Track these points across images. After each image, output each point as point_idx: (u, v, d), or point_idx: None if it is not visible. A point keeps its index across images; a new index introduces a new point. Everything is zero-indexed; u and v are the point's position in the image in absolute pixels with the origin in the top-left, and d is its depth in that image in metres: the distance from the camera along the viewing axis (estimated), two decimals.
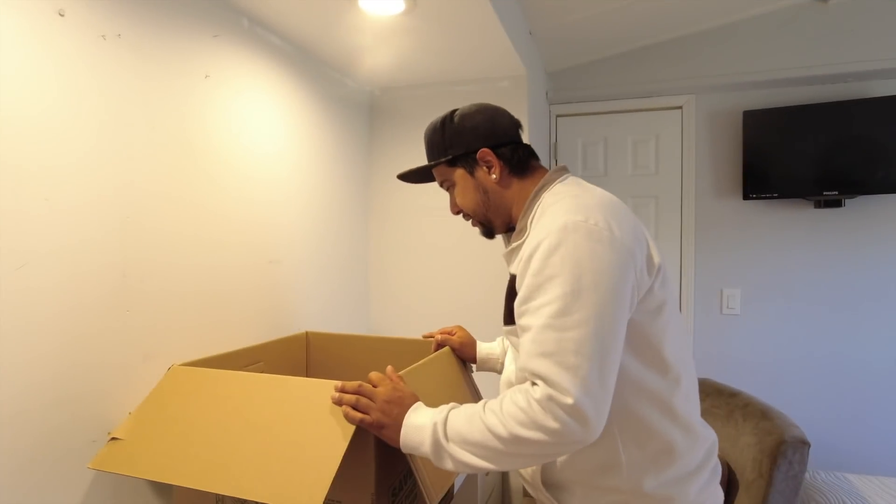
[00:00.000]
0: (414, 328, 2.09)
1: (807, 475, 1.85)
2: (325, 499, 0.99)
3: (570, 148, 2.63)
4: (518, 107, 1.97)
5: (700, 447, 0.90)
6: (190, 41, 1.26)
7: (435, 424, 0.83)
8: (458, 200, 1.03)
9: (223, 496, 1.06)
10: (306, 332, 1.59)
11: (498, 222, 1.02)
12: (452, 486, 1.29)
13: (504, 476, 1.98)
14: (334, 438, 0.89)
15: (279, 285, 1.62)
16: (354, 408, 0.89)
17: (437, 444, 0.82)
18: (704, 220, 2.45)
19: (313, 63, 1.79)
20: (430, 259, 2.13)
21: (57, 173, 0.96)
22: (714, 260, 2.44)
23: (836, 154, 2.15)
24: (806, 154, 2.20)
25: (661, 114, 2.50)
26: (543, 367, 0.76)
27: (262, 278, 1.54)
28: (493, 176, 0.98)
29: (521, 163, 0.99)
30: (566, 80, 2.59)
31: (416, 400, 0.91)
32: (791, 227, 2.34)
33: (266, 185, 1.56)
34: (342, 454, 0.86)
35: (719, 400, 1.67)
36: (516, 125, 1.03)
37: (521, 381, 0.82)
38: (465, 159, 0.99)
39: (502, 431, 0.76)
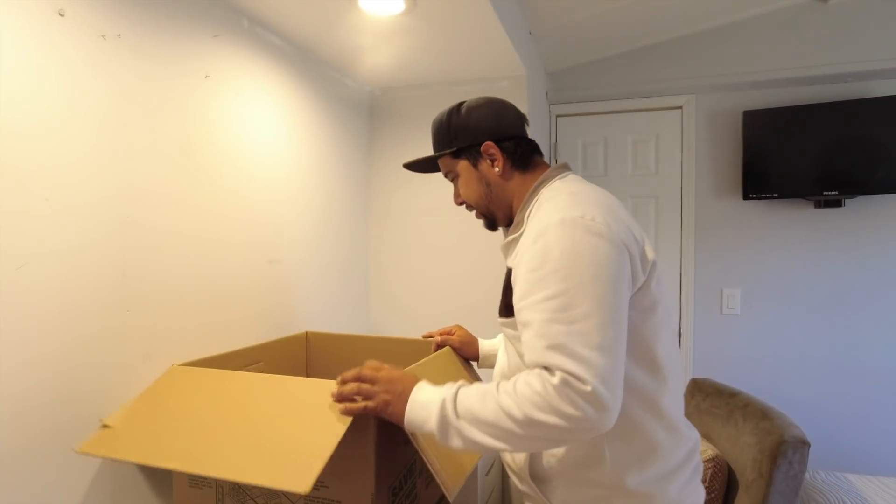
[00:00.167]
0: (414, 328, 2.09)
1: (807, 475, 1.85)
2: (325, 499, 1.00)
3: (570, 148, 2.63)
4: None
5: (683, 447, 0.91)
6: (190, 41, 1.26)
7: (444, 401, 0.82)
8: (462, 192, 1.05)
9: (223, 496, 1.07)
10: (306, 332, 1.59)
11: (500, 215, 1.03)
12: (464, 479, 1.29)
13: (504, 476, 1.98)
14: (330, 428, 0.88)
15: (279, 285, 1.62)
16: (357, 395, 0.89)
17: (444, 421, 0.81)
18: (704, 220, 2.45)
19: (313, 63, 1.79)
20: (430, 259, 2.13)
21: (57, 173, 0.96)
22: (714, 260, 2.44)
23: (836, 154, 2.15)
24: (806, 154, 2.20)
25: (661, 114, 2.50)
26: (556, 358, 0.75)
27: (262, 278, 1.54)
28: (496, 169, 0.99)
29: (524, 157, 1.01)
30: (566, 80, 2.59)
31: (419, 380, 0.90)
32: (791, 227, 2.34)
33: (266, 185, 1.56)
34: (337, 442, 0.85)
35: (719, 400, 1.67)
36: (522, 120, 1.05)
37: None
38: (470, 151, 1.01)
39: (517, 413, 0.76)
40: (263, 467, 0.84)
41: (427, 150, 1.10)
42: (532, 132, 1.07)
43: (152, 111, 1.16)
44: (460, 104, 1.03)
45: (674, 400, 0.90)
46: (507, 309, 0.92)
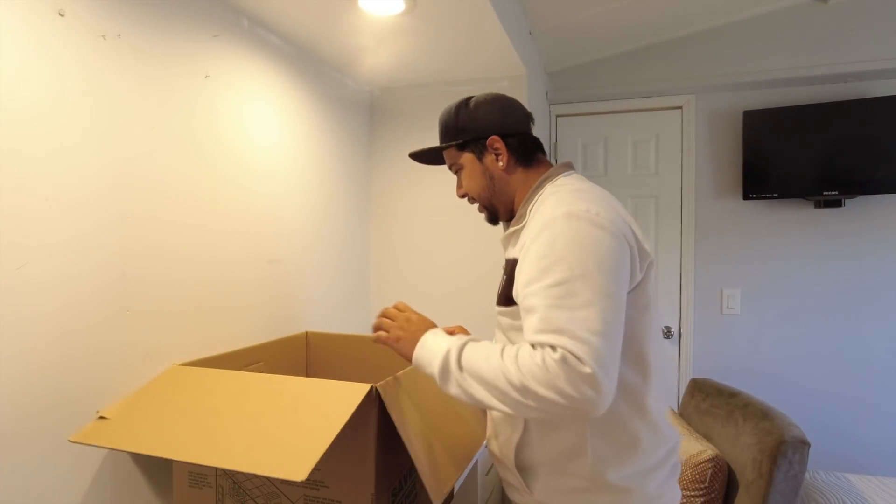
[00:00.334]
0: None
1: (807, 475, 1.85)
2: (325, 499, 1.00)
3: (570, 148, 2.63)
4: (534, 119, 1.97)
5: (663, 446, 0.93)
6: (190, 41, 1.26)
7: (449, 349, 0.87)
8: (465, 184, 1.07)
9: (223, 496, 1.07)
10: (306, 332, 1.59)
11: (501, 209, 1.05)
12: (452, 488, 1.29)
13: None
14: (329, 424, 0.88)
15: (279, 285, 1.62)
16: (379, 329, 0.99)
17: (446, 368, 0.86)
18: (704, 220, 2.45)
19: (313, 63, 1.79)
20: (430, 259, 2.13)
21: (56, 173, 0.96)
22: (714, 260, 2.44)
23: (836, 154, 2.15)
24: (806, 154, 2.20)
25: (661, 114, 2.50)
26: (559, 339, 0.78)
27: (263, 278, 1.54)
28: (500, 163, 1.01)
29: (528, 154, 1.03)
30: (566, 80, 2.59)
31: (436, 327, 0.96)
32: (791, 227, 2.34)
33: (266, 185, 1.56)
34: (335, 434, 0.85)
35: (719, 400, 1.67)
36: (528, 118, 1.07)
37: None
38: (475, 144, 1.03)
39: (516, 380, 0.79)
40: (261, 458, 0.84)
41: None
42: (533, 132, 1.08)
43: (152, 112, 1.16)
44: (469, 98, 1.05)
45: (657, 399, 0.93)
46: (506, 298, 0.94)
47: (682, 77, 2.41)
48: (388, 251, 2.19)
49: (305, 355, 1.58)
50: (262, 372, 1.25)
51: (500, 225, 1.10)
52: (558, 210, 0.85)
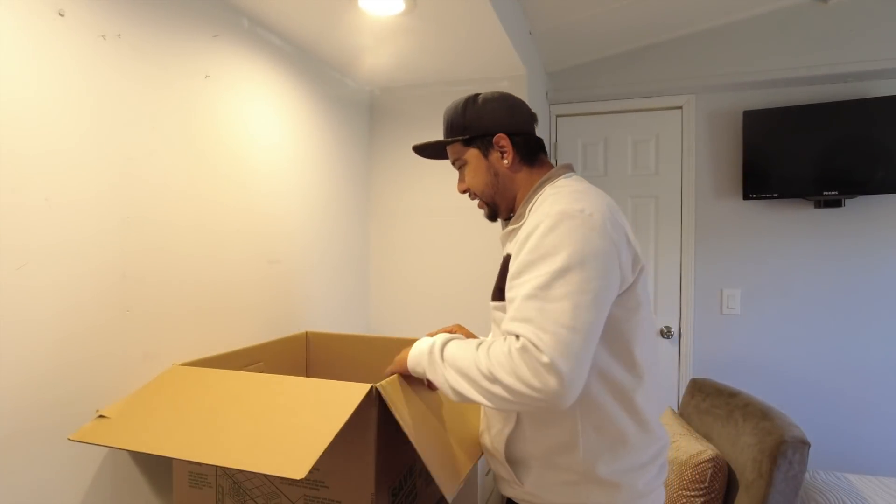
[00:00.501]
0: (414, 328, 2.09)
1: (807, 475, 1.85)
2: (325, 499, 1.00)
3: (570, 148, 2.63)
4: (538, 120, 1.97)
5: (653, 445, 0.95)
6: (190, 41, 1.26)
7: (434, 343, 0.95)
8: (468, 180, 1.08)
9: (223, 496, 1.07)
10: (306, 332, 1.59)
11: (503, 206, 1.07)
12: (463, 480, 1.29)
13: None
14: (328, 423, 0.88)
15: (279, 285, 1.62)
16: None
17: (433, 361, 0.93)
18: (704, 220, 2.45)
19: (313, 63, 1.79)
20: (430, 259, 2.13)
21: (57, 173, 0.96)
22: (714, 260, 2.44)
23: (836, 154, 2.15)
24: (806, 154, 2.20)
25: (661, 114, 2.50)
26: (523, 328, 0.81)
27: (263, 278, 1.54)
28: (506, 161, 1.03)
29: (532, 153, 1.05)
30: (566, 80, 2.59)
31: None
32: (791, 227, 2.34)
33: (266, 185, 1.56)
34: (334, 434, 0.85)
35: (719, 400, 1.67)
36: (533, 118, 1.08)
37: None
38: (482, 141, 1.04)
39: (485, 368, 0.84)
40: (260, 456, 0.84)
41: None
42: (536, 132, 1.09)
43: (152, 112, 1.16)
44: (476, 95, 1.07)
45: (648, 398, 0.94)
46: (499, 292, 0.97)
47: (682, 77, 2.41)
48: (388, 251, 2.19)
49: (305, 355, 1.58)
50: (262, 372, 1.25)
51: (499, 223, 1.11)
52: (554, 208, 0.88)
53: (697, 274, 2.46)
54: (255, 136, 1.51)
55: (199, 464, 1.06)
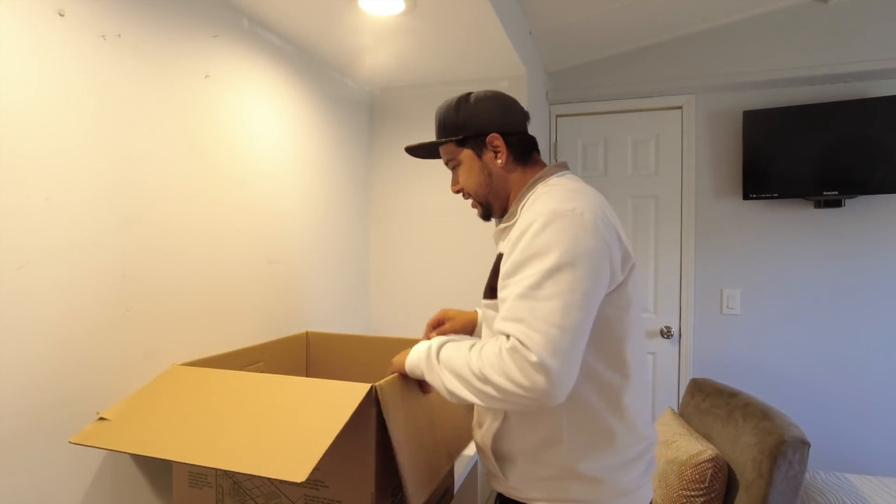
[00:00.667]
0: (414, 328, 2.09)
1: (807, 475, 1.85)
2: (326, 499, 1.00)
3: (570, 148, 2.63)
4: (530, 118, 1.97)
5: (639, 443, 0.95)
6: (190, 41, 1.26)
7: (430, 347, 0.96)
8: (462, 180, 1.08)
9: (223, 496, 1.07)
10: (306, 332, 1.59)
11: (497, 206, 1.07)
12: (452, 486, 1.29)
13: None
14: (329, 424, 0.88)
15: (279, 285, 1.62)
16: None
17: (430, 363, 0.94)
18: (704, 220, 2.45)
19: (313, 63, 1.79)
20: (430, 259, 2.13)
21: (57, 173, 0.96)
22: (714, 260, 2.44)
23: (836, 154, 2.15)
24: (806, 154, 2.20)
25: (661, 114, 2.50)
26: (513, 328, 0.82)
27: (263, 278, 1.54)
28: (499, 161, 1.02)
29: (526, 153, 1.05)
30: (566, 80, 2.59)
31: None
32: (791, 227, 2.34)
33: (266, 185, 1.56)
34: (334, 436, 0.85)
35: (719, 400, 1.67)
36: (526, 116, 1.08)
37: None
38: (476, 141, 1.03)
39: (476, 368, 0.84)
40: (261, 458, 0.84)
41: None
42: (532, 132, 1.09)
43: (152, 112, 1.16)
44: (468, 94, 1.06)
45: (635, 398, 0.95)
46: (490, 291, 0.97)
47: (682, 77, 2.42)
48: (388, 251, 2.19)
49: (305, 355, 1.58)
50: (262, 372, 1.25)
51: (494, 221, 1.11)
52: (546, 207, 0.88)
53: (697, 274, 2.46)
54: (255, 136, 1.51)
55: (200, 465, 1.06)
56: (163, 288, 1.19)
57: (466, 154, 1.05)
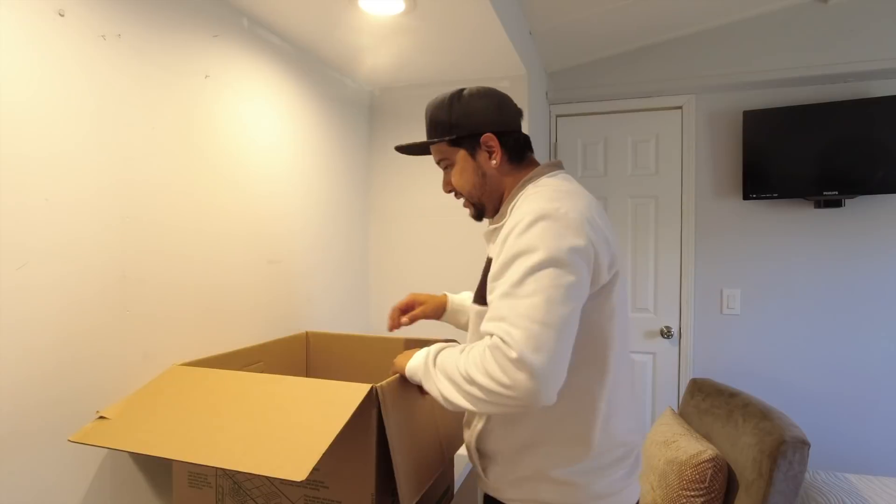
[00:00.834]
0: (414, 328, 2.08)
1: (807, 475, 1.85)
2: (325, 499, 1.00)
3: (570, 148, 2.63)
4: (523, 115, 1.97)
5: (616, 449, 0.94)
6: (190, 41, 1.26)
7: (428, 352, 0.95)
8: (455, 181, 1.05)
9: (223, 496, 1.07)
10: (306, 332, 1.59)
11: (490, 206, 1.04)
12: (452, 485, 1.29)
13: None
14: (329, 424, 0.88)
15: (279, 285, 1.62)
16: None
17: (427, 369, 0.93)
18: (704, 220, 2.45)
19: (313, 63, 1.79)
20: (430, 259, 2.13)
21: (57, 173, 0.96)
22: (714, 260, 2.44)
23: (836, 154, 2.15)
24: (806, 154, 2.20)
25: (661, 114, 2.50)
26: (495, 327, 0.81)
27: (262, 278, 1.54)
28: (494, 161, 1.00)
29: (520, 152, 1.03)
30: (566, 80, 2.59)
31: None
32: (791, 227, 2.34)
33: (266, 185, 1.56)
34: (334, 435, 0.85)
35: (719, 400, 1.67)
36: (519, 114, 1.06)
37: None
38: (469, 141, 1.00)
39: (463, 370, 0.84)
40: (261, 458, 0.84)
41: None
42: (532, 132, 1.08)
43: (152, 112, 1.16)
44: (461, 91, 1.02)
45: (617, 405, 0.94)
46: (481, 297, 0.96)
47: (682, 77, 2.42)
48: (387, 251, 2.19)
49: (305, 355, 1.58)
50: (262, 372, 1.25)
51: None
52: (531, 207, 0.87)
53: (697, 274, 2.46)
54: (254, 136, 1.51)
55: (199, 464, 1.06)
56: (162, 288, 1.19)
57: (459, 154, 1.02)
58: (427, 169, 2.09)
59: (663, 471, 1.51)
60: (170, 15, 1.20)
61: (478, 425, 1.00)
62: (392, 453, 0.95)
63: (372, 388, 0.95)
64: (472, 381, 0.81)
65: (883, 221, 2.23)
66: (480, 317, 0.97)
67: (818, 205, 2.26)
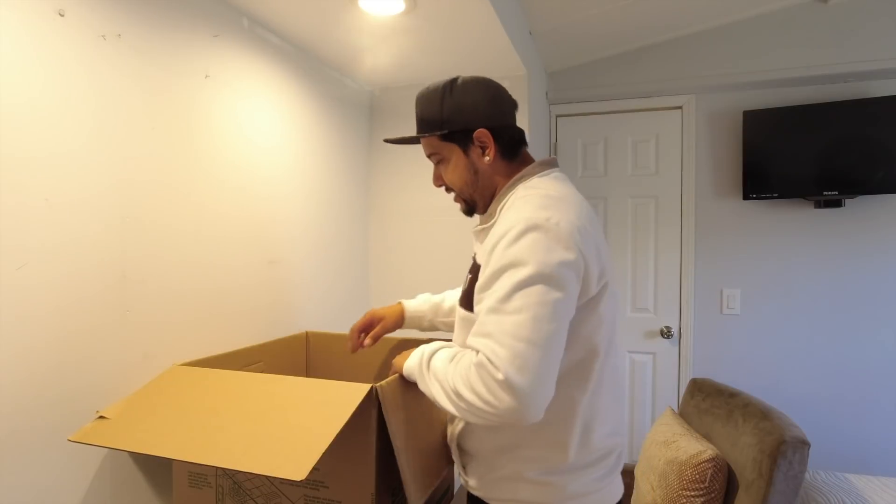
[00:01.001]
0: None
1: (807, 475, 1.85)
2: (326, 499, 1.00)
3: (570, 148, 2.63)
4: (517, 107, 1.97)
5: (591, 454, 0.93)
6: (190, 41, 1.26)
7: (422, 354, 0.94)
8: (447, 177, 1.02)
9: (223, 496, 1.07)
10: (306, 332, 1.59)
11: (482, 203, 1.01)
12: (452, 485, 1.29)
13: None
14: (328, 423, 0.88)
15: (279, 285, 1.62)
16: None
17: (420, 370, 0.93)
18: (704, 220, 2.45)
19: (313, 63, 1.79)
20: (430, 259, 2.13)
21: (57, 173, 0.96)
22: (714, 260, 2.44)
23: (836, 154, 2.15)
24: (806, 154, 2.20)
25: (661, 114, 2.50)
26: (481, 343, 0.80)
27: (263, 278, 1.54)
28: (487, 158, 0.96)
29: (515, 147, 0.99)
30: (566, 80, 2.59)
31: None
32: (791, 227, 2.34)
33: (266, 185, 1.56)
34: (334, 434, 0.85)
35: (719, 400, 1.67)
36: (514, 106, 1.02)
37: None
38: (462, 136, 0.96)
39: (451, 382, 0.83)
40: (260, 457, 0.84)
41: None
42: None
43: (152, 111, 1.16)
44: (453, 81, 0.98)
45: (600, 411, 0.93)
46: (467, 301, 0.95)
47: (682, 77, 2.41)
48: (387, 251, 2.19)
49: (305, 355, 1.58)
50: (262, 372, 1.25)
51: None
52: (521, 215, 0.84)
53: (697, 274, 2.46)
54: (254, 136, 1.51)
55: (199, 464, 1.06)
56: (162, 288, 1.19)
57: (451, 149, 0.98)
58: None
59: (663, 471, 1.51)
60: (170, 15, 1.20)
61: (459, 423, 1.01)
62: (396, 453, 0.94)
63: (372, 387, 0.95)
64: (459, 396, 0.81)
65: (883, 221, 2.23)
66: (465, 321, 0.96)
67: (818, 205, 2.26)
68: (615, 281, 0.98)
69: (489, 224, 0.96)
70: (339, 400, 0.93)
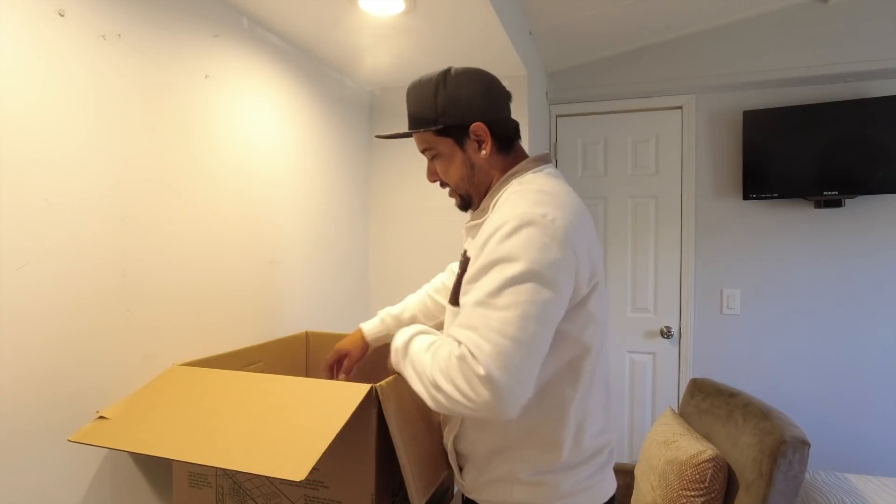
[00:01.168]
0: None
1: (807, 475, 1.85)
2: (325, 499, 1.00)
3: (570, 148, 2.63)
4: (518, 107, 1.96)
5: (583, 453, 0.93)
6: (190, 41, 1.26)
7: (403, 338, 0.93)
8: (442, 172, 1.00)
9: (223, 496, 1.07)
10: (306, 332, 1.59)
11: (477, 198, 1.00)
12: (452, 485, 1.29)
13: None
14: (328, 424, 0.88)
15: (279, 285, 1.62)
16: None
17: (402, 359, 0.91)
18: (704, 220, 2.45)
19: (313, 63, 1.79)
20: (430, 259, 2.13)
21: (57, 173, 0.96)
22: (714, 260, 2.44)
23: (836, 154, 2.15)
24: (806, 154, 2.20)
25: (661, 114, 2.50)
26: (465, 336, 0.79)
27: (263, 278, 1.54)
28: (483, 152, 0.95)
29: (510, 141, 0.98)
30: (566, 80, 2.59)
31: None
32: (791, 227, 2.34)
33: (266, 185, 1.56)
34: (334, 434, 0.85)
35: (719, 400, 1.67)
36: (508, 97, 1.00)
37: None
38: (457, 131, 0.95)
39: (429, 371, 0.82)
40: (260, 458, 0.84)
41: None
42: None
43: (152, 111, 1.16)
44: (445, 73, 0.96)
45: (590, 410, 0.93)
46: (456, 298, 0.94)
47: (682, 77, 2.41)
48: (387, 251, 2.19)
49: (305, 355, 1.58)
50: (262, 372, 1.25)
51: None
52: (515, 210, 0.83)
53: (697, 274, 2.46)
54: (254, 136, 1.51)
55: (199, 464, 1.06)
56: (162, 288, 1.19)
57: (446, 144, 0.96)
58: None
59: (663, 471, 1.51)
60: (170, 15, 1.20)
61: (455, 427, 1.00)
62: (397, 452, 0.94)
63: (372, 387, 0.95)
64: (437, 388, 0.80)
65: (883, 221, 2.23)
66: (454, 316, 0.96)
67: (818, 205, 2.26)
68: (606, 280, 0.98)
69: (481, 220, 0.94)
70: (339, 400, 0.93)
